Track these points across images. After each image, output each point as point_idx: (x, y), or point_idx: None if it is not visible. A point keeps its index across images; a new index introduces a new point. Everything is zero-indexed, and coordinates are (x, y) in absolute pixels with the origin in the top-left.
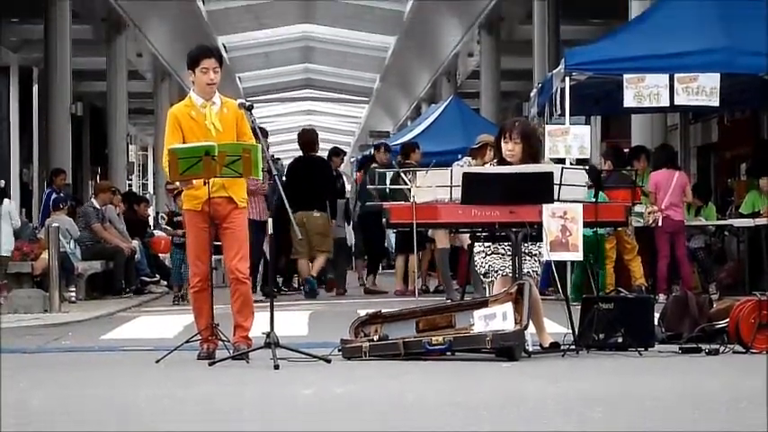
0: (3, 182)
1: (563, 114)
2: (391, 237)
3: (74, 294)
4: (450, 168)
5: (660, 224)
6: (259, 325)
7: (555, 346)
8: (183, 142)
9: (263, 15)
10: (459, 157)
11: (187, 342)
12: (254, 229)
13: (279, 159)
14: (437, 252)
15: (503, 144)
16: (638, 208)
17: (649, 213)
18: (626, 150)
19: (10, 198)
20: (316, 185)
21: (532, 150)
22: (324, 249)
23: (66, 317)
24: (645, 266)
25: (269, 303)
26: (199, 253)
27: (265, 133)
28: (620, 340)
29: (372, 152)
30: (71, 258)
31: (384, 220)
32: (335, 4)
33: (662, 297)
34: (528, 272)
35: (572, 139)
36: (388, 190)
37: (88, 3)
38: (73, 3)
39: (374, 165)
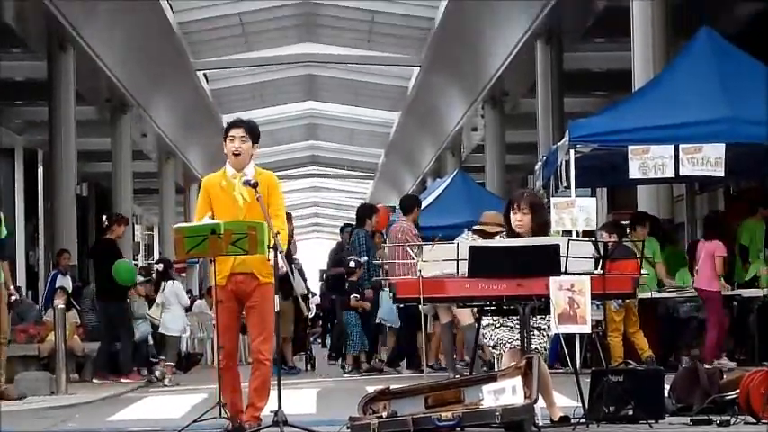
0: (161, 265)
1: (568, 187)
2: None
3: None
4: (456, 242)
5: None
6: (267, 404)
7: (565, 420)
8: (212, 212)
9: (266, 93)
10: (465, 231)
11: (195, 422)
12: None
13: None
14: (463, 329)
15: (512, 215)
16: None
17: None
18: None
19: (173, 279)
20: None
21: (541, 221)
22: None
23: (72, 398)
24: (648, 338)
25: (276, 381)
26: (223, 330)
27: (289, 217)
28: (630, 413)
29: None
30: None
31: (391, 295)
32: (339, 81)
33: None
34: (536, 347)
35: (578, 212)
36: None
37: (92, 84)
38: (77, 85)
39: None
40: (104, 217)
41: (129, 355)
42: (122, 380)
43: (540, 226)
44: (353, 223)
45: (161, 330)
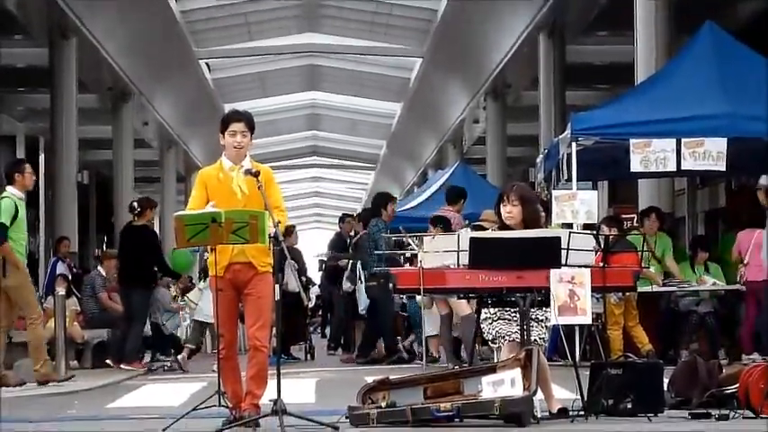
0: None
1: (570, 179)
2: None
3: (168, 363)
4: (457, 233)
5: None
6: (266, 392)
7: (563, 413)
8: (208, 201)
9: (269, 83)
10: (467, 221)
11: (194, 410)
12: None
13: (293, 226)
14: (462, 320)
15: (502, 208)
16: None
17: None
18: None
19: None
20: None
21: (532, 213)
22: None
23: (72, 386)
24: (648, 333)
25: (276, 370)
26: (224, 320)
27: (290, 230)
28: (629, 406)
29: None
30: (162, 330)
31: (391, 285)
32: (341, 72)
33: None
34: (535, 339)
35: (579, 204)
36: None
37: (94, 72)
38: (79, 72)
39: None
40: (135, 203)
41: (138, 344)
42: (123, 366)
43: (532, 219)
44: (352, 213)
45: (196, 317)
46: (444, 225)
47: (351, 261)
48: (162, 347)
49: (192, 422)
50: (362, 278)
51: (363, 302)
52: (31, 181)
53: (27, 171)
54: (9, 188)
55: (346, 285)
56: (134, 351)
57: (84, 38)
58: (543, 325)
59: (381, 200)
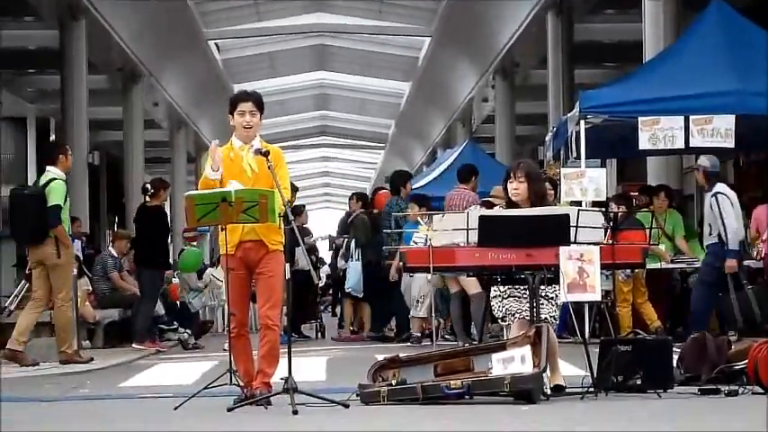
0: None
1: (578, 157)
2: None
3: (187, 337)
4: (466, 211)
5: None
6: (277, 370)
7: (558, 389)
8: (221, 178)
9: (278, 63)
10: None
11: (205, 388)
12: None
13: (303, 206)
14: (471, 298)
15: (508, 184)
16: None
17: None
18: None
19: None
20: None
21: (537, 190)
22: None
23: (84, 365)
24: (657, 310)
25: (287, 349)
26: (235, 299)
27: (295, 188)
28: (638, 382)
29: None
30: (189, 307)
31: (402, 263)
32: (350, 51)
33: None
34: (545, 316)
35: (588, 182)
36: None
37: (104, 53)
38: (89, 54)
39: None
40: (148, 184)
41: (148, 323)
42: (134, 345)
43: (536, 195)
44: (363, 192)
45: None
46: (419, 205)
47: (345, 239)
48: (182, 324)
49: (203, 401)
50: (354, 256)
51: (351, 280)
52: (71, 163)
53: (70, 153)
54: (53, 169)
55: (341, 263)
56: (144, 330)
57: (93, 19)
58: (553, 302)
59: (400, 179)
